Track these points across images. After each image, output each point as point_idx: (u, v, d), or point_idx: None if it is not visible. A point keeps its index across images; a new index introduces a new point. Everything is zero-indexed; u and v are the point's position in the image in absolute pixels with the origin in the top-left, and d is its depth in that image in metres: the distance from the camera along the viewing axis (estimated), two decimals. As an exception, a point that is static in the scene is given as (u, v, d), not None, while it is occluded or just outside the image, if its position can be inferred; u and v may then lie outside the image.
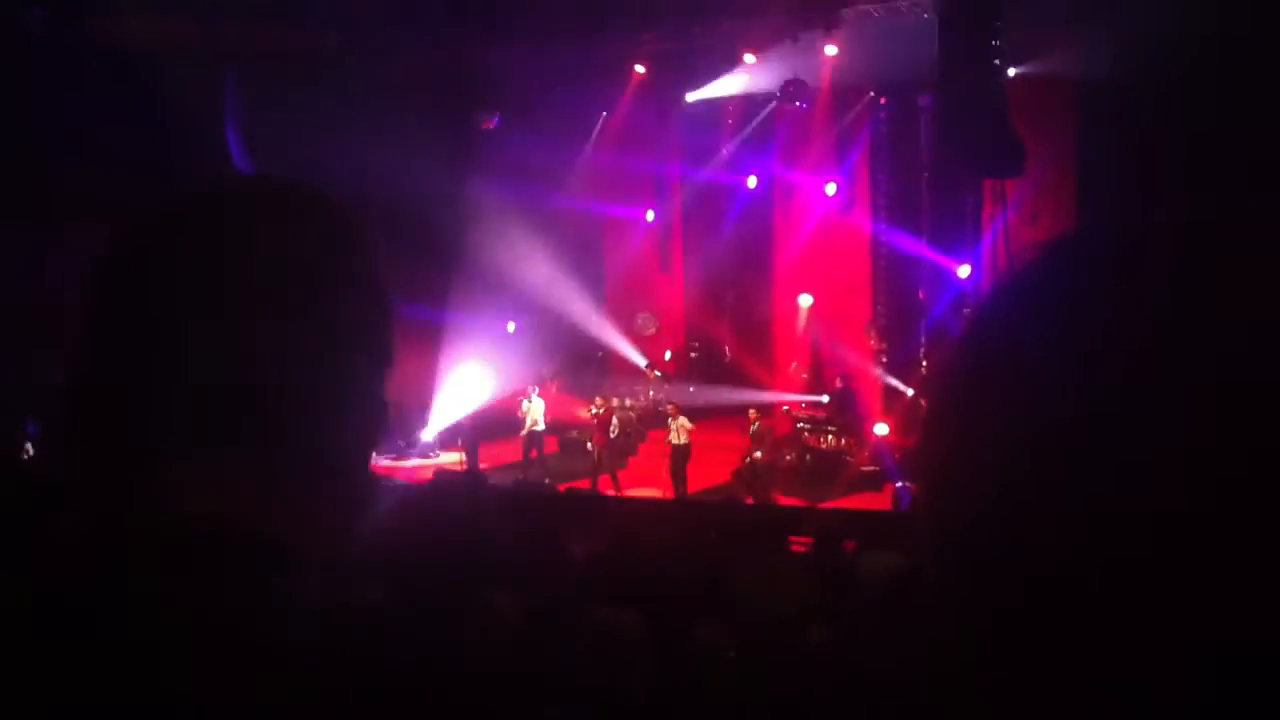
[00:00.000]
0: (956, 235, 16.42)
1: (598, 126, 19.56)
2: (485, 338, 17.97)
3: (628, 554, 4.91)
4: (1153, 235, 0.55)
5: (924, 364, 16.55)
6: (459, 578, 3.49)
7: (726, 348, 20.24)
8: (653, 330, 20.64)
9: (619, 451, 15.71)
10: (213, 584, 0.76)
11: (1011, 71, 13.11)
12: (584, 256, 19.96)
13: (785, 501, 13.77)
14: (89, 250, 0.86)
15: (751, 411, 14.70)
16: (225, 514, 0.80)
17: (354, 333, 0.87)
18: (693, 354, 20.99)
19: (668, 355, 20.54)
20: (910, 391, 16.11)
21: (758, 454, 14.45)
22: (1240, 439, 0.47)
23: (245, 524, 0.80)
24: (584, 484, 14.85)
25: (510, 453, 16.05)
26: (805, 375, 18.65)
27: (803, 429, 16.10)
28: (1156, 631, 0.48)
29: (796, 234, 18.98)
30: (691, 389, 18.65)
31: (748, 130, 19.15)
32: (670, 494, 14.11)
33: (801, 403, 17.21)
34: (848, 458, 15.25)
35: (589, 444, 15.64)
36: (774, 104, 17.33)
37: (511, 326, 19.44)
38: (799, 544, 7.90)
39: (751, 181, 19.58)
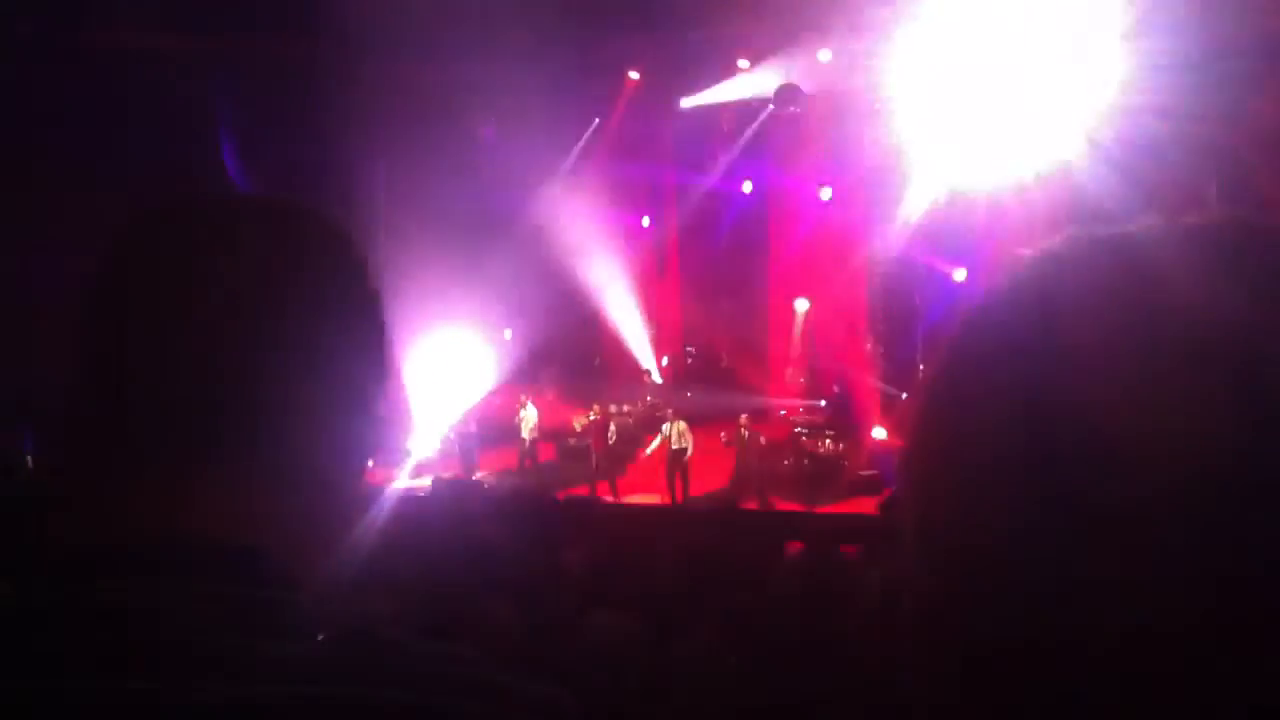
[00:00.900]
0: (953, 239, 16.44)
1: (593, 133, 19.58)
2: (482, 345, 17.98)
3: (626, 560, 4.90)
4: (1147, 239, 0.55)
5: (921, 368, 16.57)
6: (456, 585, 3.49)
7: (723, 353, 20.25)
8: (649, 336, 20.65)
9: (617, 458, 15.71)
10: (201, 596, 0.76)
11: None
12: (581, 263, 19.96)
13: (783, 506, 13.76)
14: (81, 260, 0.86)
15: (743, 418, 14.68)
16: (216, 527, 0.80)
17: (346, 345, 0.87)
18: (689, 360, 20.99)
19: (664, 361, 20.55)
20: (904, 396, 16.13)
21: (752, 461, 14.41)
22: (1239, 442, 0.47)
23: (236, 537, 0.80)
24: (582, 490, 14.84)
25: (507, 460, 16.05)
26: (802, 380, 18.66)
27: (800, 434, 16.10)
28: (1153, 621, 0.48)
29: (792, 239, 19.01)
30: (688, 394, 18.66)
31: (743, 136, 19.18)
32: (668, 500, 14.11)
33: (799, 408, 17.22)
34: (845, 463, 15.25)
35: (591, 450, 15.64)
36: (769, 110, 17.36)
37: (508, 334, 19.44)
38: (796, 548, 7.89)
39: (747, 187, 19.61)
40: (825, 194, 18.34)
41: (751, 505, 13.58)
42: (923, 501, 0.57)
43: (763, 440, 14.78)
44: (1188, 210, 0.55)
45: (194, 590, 0.76)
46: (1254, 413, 0.47)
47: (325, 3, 13.92)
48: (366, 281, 0.90)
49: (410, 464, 16.19)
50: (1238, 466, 0.46)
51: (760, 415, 15.63)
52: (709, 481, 14.58)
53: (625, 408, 17.68)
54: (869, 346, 17.99)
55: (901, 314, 17.57)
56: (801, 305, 18.92)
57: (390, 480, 14.45)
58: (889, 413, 16.28)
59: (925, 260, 16.93)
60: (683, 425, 14.58)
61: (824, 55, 15.71)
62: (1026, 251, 0.58)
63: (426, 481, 13.28)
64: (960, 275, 16.06)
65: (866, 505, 13.37)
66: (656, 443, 14.83)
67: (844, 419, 16.24)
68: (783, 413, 17.22)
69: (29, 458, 10.83)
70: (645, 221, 20.89)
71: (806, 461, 15.52)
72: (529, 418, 15.84)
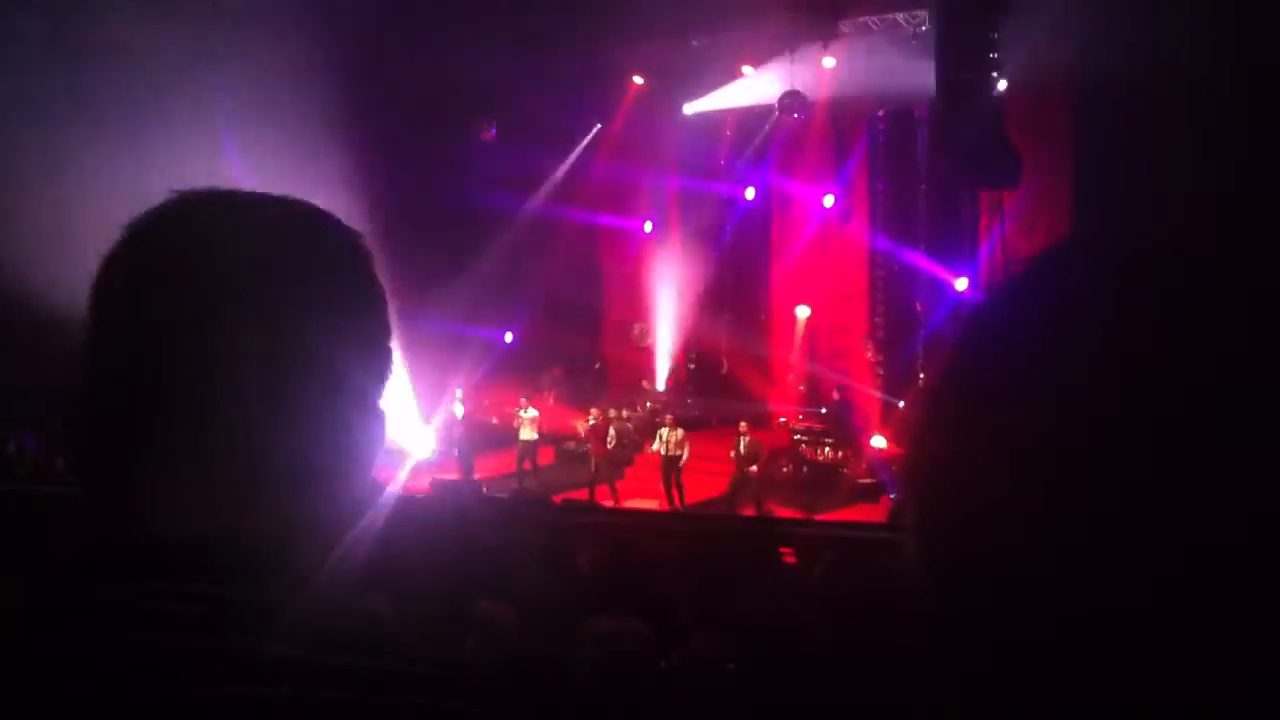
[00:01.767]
0: (954, 247, 16.45)
1: (596, 137, 19.58)
2: (482, 348, 17.97)
3: (624, 565, 4.90)
4: (1145, 245, 0.55)
5: (921, 376, 16.55)
6: (455, 588, 3.49)
7: (724, 359, 20.24)
8: (649, 341, 20.64)
9: (616, 462, 15.70)
10: (200, 597, 0.76)
11: (1004, 84, 13.15)
12: (582, 267, 19.98)
13: (782, 513, 13.75)
14: (83, 260, 0.86)
15: (742, 424, 14.66)
16: (218, 525, 0.80)
17: (349, 342, 0.87)
18: (690, 365, 20.98)
19: (665, 366, 20.54)
20: (901, 404, 16.11)
21: (752, 468, 14.40)
22: (1237, 446, 0.47)
23: (237, 534, 0.80)
24: (580, 494, 14.83)
25: (506, 463, 16.04)
26: (802, 387, 18.65)
27: (799, 441, 16.09)
28: (1146, 634, 0.48)
29: (794, 245, 19.01)
30: (689, 400, 18.65)
31: (746, 142, 19.18)
32: (666, 505, 14.10)
33: (799, 415, 17.21)
34: (844, 470, 15.24)
35: (591, 454, 15.62)
36: (773, 116, 17.36)
37: (509, 337, 19.44)
38: (793, 556, 7.88)
39: (749, 193, 19.61)
40: (828, 201, 18.35)
41: (749, 512, 13.58)
42: (926, 507, 0.57)
43: (761, 447, 14.77)
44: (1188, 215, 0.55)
45: (192, 590, 0.76)
46: (1246, 419, 0.47)
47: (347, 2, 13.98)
48: (371, 279, 0.90)
49: (409, 465, 16.19)
50: (1234, 471, 0.47)
51: (760, 422, 15.62)
52: (707, 488, 14.57)
53: (625, 413, 17.68)
54: (869, 354, 17.99)
55: (902, 322, 17.58)
56: (803, 312, 18.92)
57: (389, 481, 14.45)
58: (888, 421, 16.28)
59: (926, 268, 16.94)
60: (680, 433, 14.56)
61: (828, 62, 15.71)
62: (1027, 258, 0.59)
63: (425, 483, 13.29)
64: (961, 283, 16.06)
65: (865, 513, 13.37)
66: (655, 446, 14.83)
67: (843, 426, 16.23)
68: (782, 419, 17.21)
69: (28, 455, 10.83)
70: (648, 226, 20.89)
71: (805, 469, 15.52)
72: (528, 420, 15.84)
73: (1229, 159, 9.26)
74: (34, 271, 10.59)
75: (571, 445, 16.85)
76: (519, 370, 18.32)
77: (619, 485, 15.22)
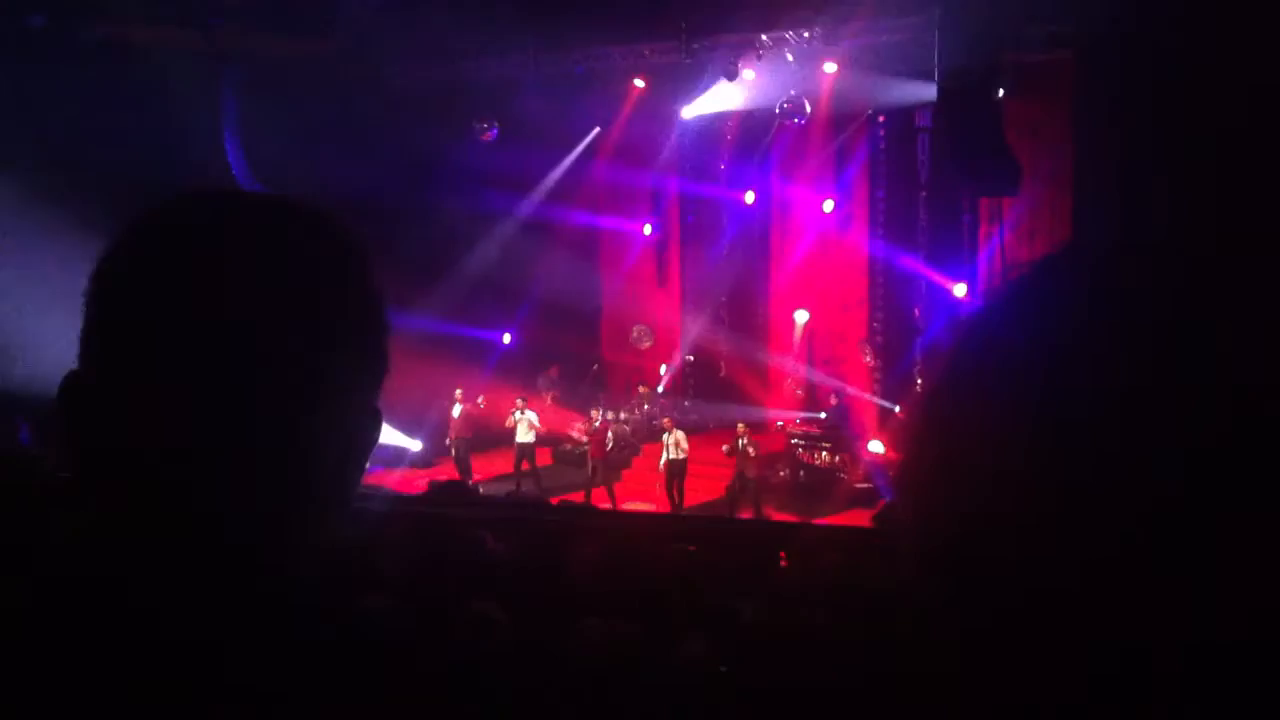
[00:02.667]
0: (954, 254, 16.45)
1: (596, 139, 19.57)
2: (481, 349, 17.96)
3: (620, 567, 4.90)
4: (1142, 252, 0.55)
5: (918, 382, 16.55)
6: (451, 588, 3.49)
7: (722, 363, 20.24)
8: (648, 344, 20.63)
9: (614, 465, 15.70)
10: (197, 594, 0.76)
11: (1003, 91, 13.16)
12: (581, 269, 19.97)
13: (778, 517, 13.75)
14: (85, 254, 0.87)
15: (740, 428, 14.66)
16: (214, 525, 0.80)
17: (347, 341, 0.87)
18: (688, 369, 20.97)
19: (664, 369, 20.54)
20: (897, 410, 16.12)
21: (747, 471, 14.39)
22: (1233, 450, 0.47)
23: (230, 532, 0.80)
24: (577, 497, 14.82)
25: (504, 464, 16.03)
26: (800, 392, 18.65)
27: (797, 445, 16.09)
28: (1144, 634, 0.48)
29: (793, 250, 19.01)
30: (687, 403, 18.64)
31: (746, 146, 19.17)
32: (665, 508, 14.09)
33: (796, 419, 17.20)
34: (841, 474, 15.24)
35: (589, 457, 15.61)
36: (773, 120, 17.35)
37: (507, 338, 19.44)
38: (790, 559, 7.89)
39: (749, 197, 19.60)
40: (828, 206, 18.35)
41: (747, 515, 13.58)
42: (920, 511, 0.57)
43: (760, 450, 14.77)
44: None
45: (192, 588, 0.76)
46: (1242, 424, 0.47)
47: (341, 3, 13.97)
48: (369, 279, 0.90)
49: (406, 466, 16.18)
50: (1230, 474, 0.47)
51: (757, 426, 15.62)
52: (705, 491, 14.57)
53: (623, 415, 17.68)
54: (867, 360, 17.99)
55: (900, 328, 17.58)
56: (801, 317, 18.92)
57: (385, 480, 14.44)
58: (886, 426, 16.27)
59: (925, 274, 16.95)
60: (680, 435, 14.58)
61: (829, 67, 15.71)
62: (1023, 265, 0.59)
63: (422, 484, 13.28)
64: (960, 290, 16.06)
65: (862, 518, 13.36)
66: (665, 454, 14.78)
67: (841, 431, 16.23)
68: (780, 424, 17.21)
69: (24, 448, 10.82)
70: (647, 229, 20.88)
71: (802, 473, 15.51)
72: (526, 422, 15.82)
73: (1229, 165, 9.26)
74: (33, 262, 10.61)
75: (568, 447, 16.84)
76: (517, 372, 18.31)
77: (616, 488, 15.22)
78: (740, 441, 14.28)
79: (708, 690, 3.33)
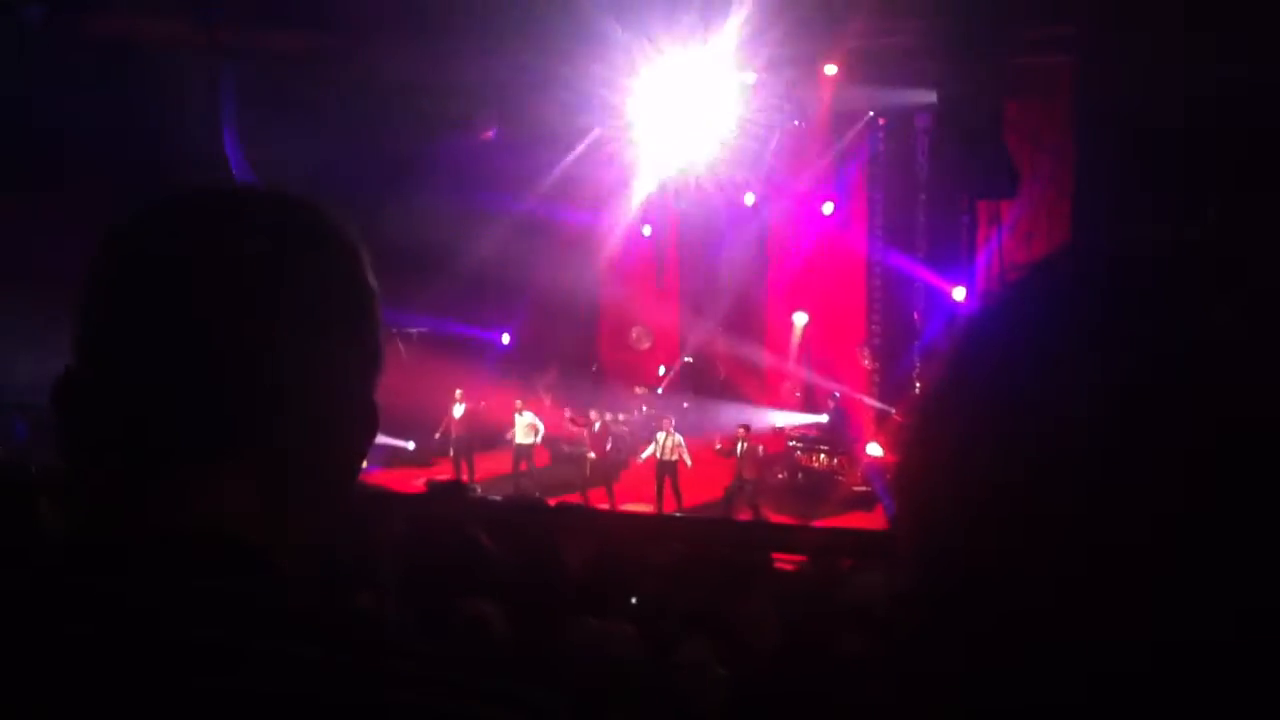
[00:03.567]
0: (952, 257, 16.46)
1: (596, 140, 19.55)
2: (479, 349, 17.96)
3: (618, 568, 4.90)
4: (1142, 255, 0.55)
5: (917, 385, 16.54)
6: (448, 588, 3.48)
7: (721, 364, 20.23)
8: (647, 345, 20.63)
9: (612, 466, 15.70)
10: (196, 592, 0.76)
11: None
12: (580, 269, 19.96)
13: (776, 519, 13.75)
14: (83, 249, 0.86)
15: (740, 429, 14.66)
16: (210, 522, 0.80)
17: (342, 336, 0.87)
18: (687, 370, 20.96)
19: (662, 370, 20.54)
20: (894, 413, 16.12)
21: (746, 473, 14.40)
22: (1233, 455, 0.47)
23: (230, 532, 0.80)
24: (575, 497, 14.83)
25: (503, 464, 16.03)
26: (799, 394, 18.66)
27: (795, 448, 16.09)
28: (1144, 634, 0.48)
29: (792, 252, 19.01)
30: (685, 405, 18.64)
31: (746, 148, 19.14)
32: (661, 509, 14.09)
33: (794, 422, 17.21)
34: (839, 477, 15.25)
35: (589, 457, 15.61)
36: (774, 122, 17.34)
37: (506, 338, 19.43)
38: (787, 561, 7.89)
39: (749, 198, 19.60)
40: (827, 208, 18.35)
41: (745, 517, 13.58)
42: (918, 518, 0.57)
43: (761, 452, 14.77)
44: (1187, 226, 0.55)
45: (188, 586, 0.76)
46: (1243, 429, 0.47)
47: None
48: (365, 277, 0.90)
49: (403, 465, 16.17)
50: (1229, 477, 0.47)
51: (757, 428, 15.61)
52: (703, 492, 14.57)
53: (621, 416, 17.68)
54: (866, 362, 18.00)
55: (899, 330, 17.59)
56: (800, 319, 18.92)
57: (383, 479, 14.44)
58: (884, 429, 16.27)
59: (923, 277, 16.96)
60: (679, 438, 14.54)
61: (830, 69, 15.71)
62: (1022, 267, 0.59)
63: (420, 484, 13.28)
64: (959, 293, 16.07)
65: (860, 520, 13.37)
66: (649, 451, 14.81)
67: (839, 434, 16.24)
68: (778, 426, 17.21)
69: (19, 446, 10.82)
70: (646, 230, 20.87)
71: (800, 475, 15.52)
72: (525, 422, 15.82)
73: (1227, 169, 9.29)
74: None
75: (566, 447, 16.84)
76: (516, 372, 18.30)
77: (614, 488, 15.22)
78: (740, 445, 14.28)
79: (707, 692, 3.33)
